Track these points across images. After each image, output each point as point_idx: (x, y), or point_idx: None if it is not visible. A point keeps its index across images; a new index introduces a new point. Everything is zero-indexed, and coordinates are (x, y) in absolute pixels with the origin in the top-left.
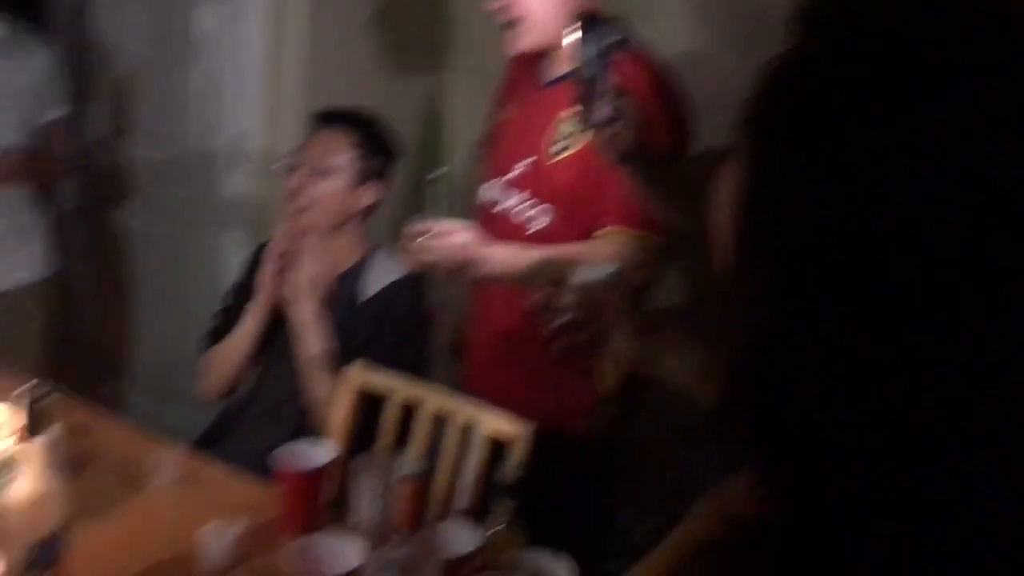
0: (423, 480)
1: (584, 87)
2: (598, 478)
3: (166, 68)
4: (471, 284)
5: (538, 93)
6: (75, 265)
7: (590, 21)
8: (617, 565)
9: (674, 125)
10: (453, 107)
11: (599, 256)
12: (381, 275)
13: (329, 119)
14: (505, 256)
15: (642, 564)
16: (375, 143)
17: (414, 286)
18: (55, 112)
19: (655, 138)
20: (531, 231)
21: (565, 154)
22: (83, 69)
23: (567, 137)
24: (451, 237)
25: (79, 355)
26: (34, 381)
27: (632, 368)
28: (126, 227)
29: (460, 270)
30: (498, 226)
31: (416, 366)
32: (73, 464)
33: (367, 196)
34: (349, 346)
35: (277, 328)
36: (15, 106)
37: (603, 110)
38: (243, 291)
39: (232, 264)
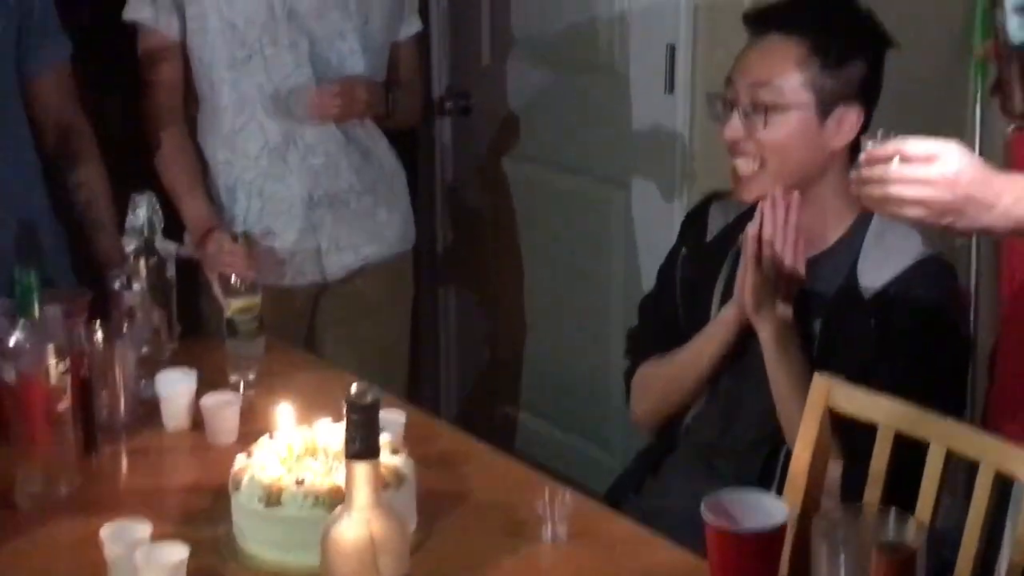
0: (908, 555)
1: None
2: None
3: None
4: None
5: None
6: (439, 237)
7: None
8: None
9: None
10: None
11: None
12: (887, 254)
13: (758, 21)
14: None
15: None
16: (838, 42)
17: (938, 275)
18: (409, 28)
19: None
20: None
21: None
22: None
23: None
24: (935, 164)
25: (454, 360)
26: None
27: None
28: (503, 183)
29: (952, 218)
30: None
31: (947, 395)
32: (437, 501)
33: (842, 130)
34: (840, 366)
35: (740, 345)
36: (360, 18)
37: None
38: (680, 286)
39: (657, 244)
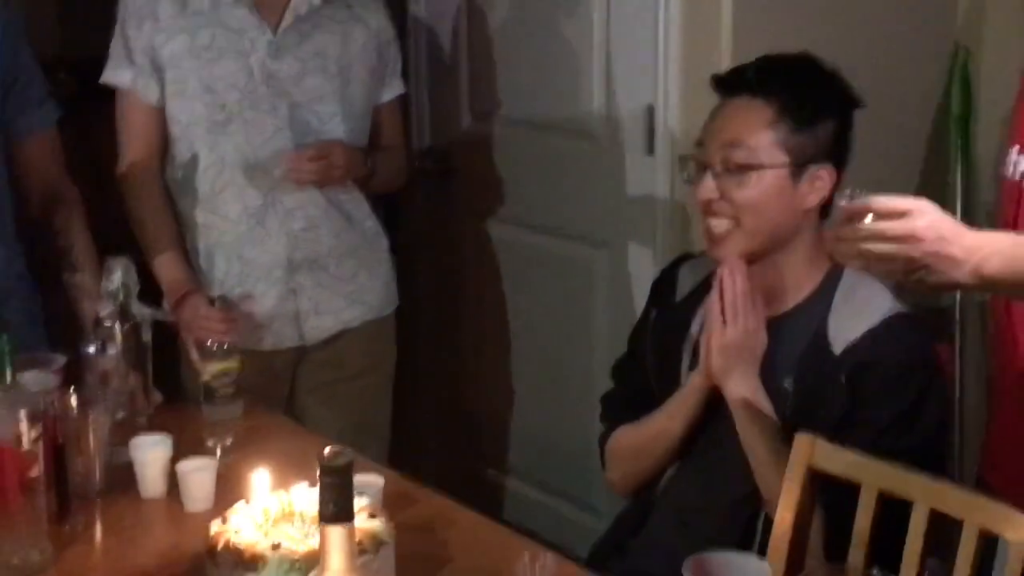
0: None
1: None
2: None
3: (533, 27)
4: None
5: None
6: (422, 299)
7: None
8: None
9: None
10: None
11: None
12: (857, 310)
13: (728, 83)
14: (1000, 247)
15: None
16: (807, 103)
17: (910, 330)
18: (391, 91)
19: None
20: None
21: None
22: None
23: None
24: (906, 219)
25: (435, 423)
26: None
27: None
28: (485, 245)
29: (922, 273)
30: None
31: (926, 457)
32: (418, 566)
33: (815, 189)
34: (815, 420)
35: (710, 411)
36: (342, 82)
37: None
38: (651, 348)
39: (640, 306)
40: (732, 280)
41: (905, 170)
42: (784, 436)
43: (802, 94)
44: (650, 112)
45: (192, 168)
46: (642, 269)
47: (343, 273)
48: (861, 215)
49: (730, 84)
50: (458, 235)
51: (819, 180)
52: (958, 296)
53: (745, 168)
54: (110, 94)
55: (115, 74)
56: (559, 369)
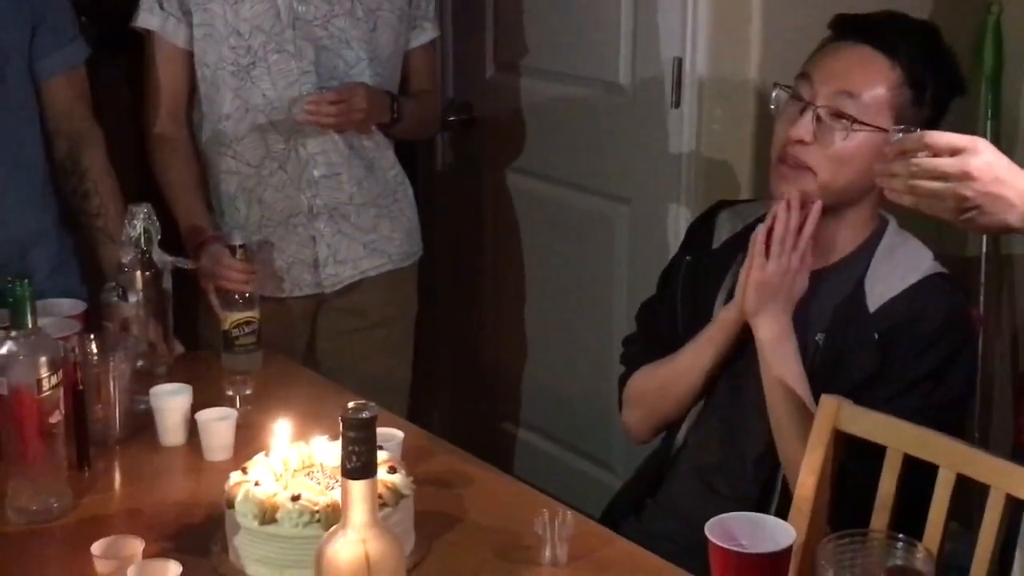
0: None
1: None
2: None
3: None
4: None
5: None
6: (441, 251)
7: None
8: None
9: None
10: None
11: None
12: (895, 270)
13: (854, 28)
14: None
15: None
16: (931, 83)
17: (947, 292)
18: (422, 36)
19: None
20: None
21: None
22: None
23: None
24: (962, 157)
25: (451, 376)
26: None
27: None
28: (506, 198)
29: (973, 213)
30: None
31: (949, 418)
32: (435, 521)
33: None
34: (840, 380)
35: (737, 350)
36: (369, 25)
37: None
38: (682, 292)
39: (660, 261)
40: (786, 215)
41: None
42: (804, 387)
43: (929, 68)
44: (678, 64)
45: (217, 112)
46: (665, 225)
47: (364, 222)
48: (915, 150)
49: (856, 31)
50: (479, 187)
51: None
52: (984, 248)
53: (852, 122)
54: (130, 41)
55: (145, 18)
56: (578, 324)
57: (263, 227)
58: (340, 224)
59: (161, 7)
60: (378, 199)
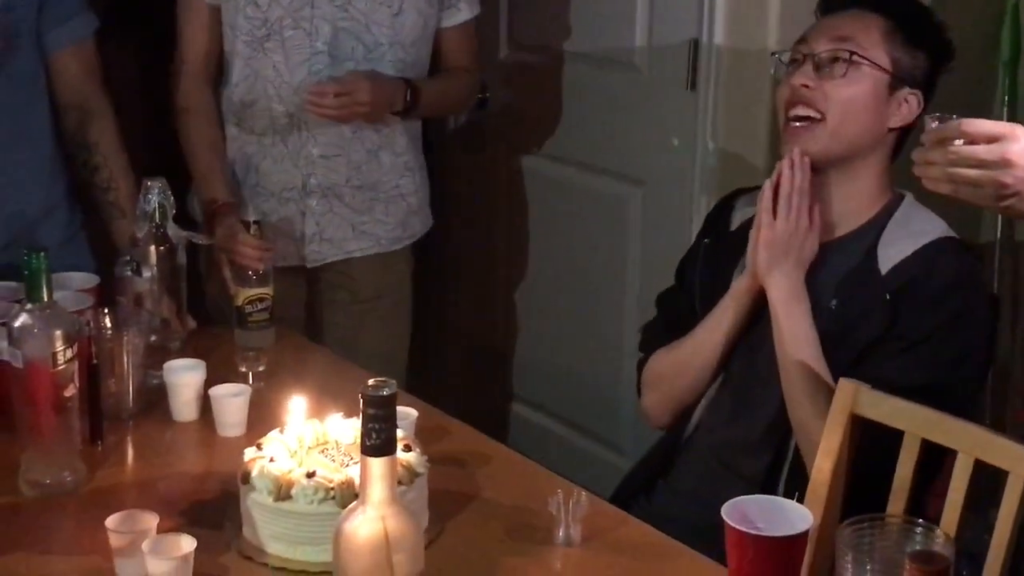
0: (944, 566)
1: None
2: None
3: None
4: None
5: None
6: (453, 231)
7: None
8: None
9: None
10: None
11: None
12: (908, 234)
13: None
14: None
15: None
16: (918, 32)
17: (959, 252)
18: (457, 15)
19: None
20: None
21: None
22: None
23: None
24: (999, 144)
25: (463, 357)
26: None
27: None
28: (518, 178)
29: (1012, 200)
30: None
31: (961, 376)
32: (448, 500)
33: (901, 111)
34: (852, 342)
35: (752, 320)
36: (393, 8)
37: None
38: (700, 274)
39: (673, 244)
40: (791, 173)
41: (950, 111)
42: (816, 350)
43: (917, 19)
44: (694, 46)
45: (227, 77)
46: (678, 207)
47: (357, 204)
48: (952, 138)
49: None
50: (491, 167)
51: (907, 104)
52: (998, 233)
53: (852, 60)
54: (140, 14)
55: None
56: (590, 305)
57: (255, 195)
58: (332, 203)
59: None
60: (377, 184)
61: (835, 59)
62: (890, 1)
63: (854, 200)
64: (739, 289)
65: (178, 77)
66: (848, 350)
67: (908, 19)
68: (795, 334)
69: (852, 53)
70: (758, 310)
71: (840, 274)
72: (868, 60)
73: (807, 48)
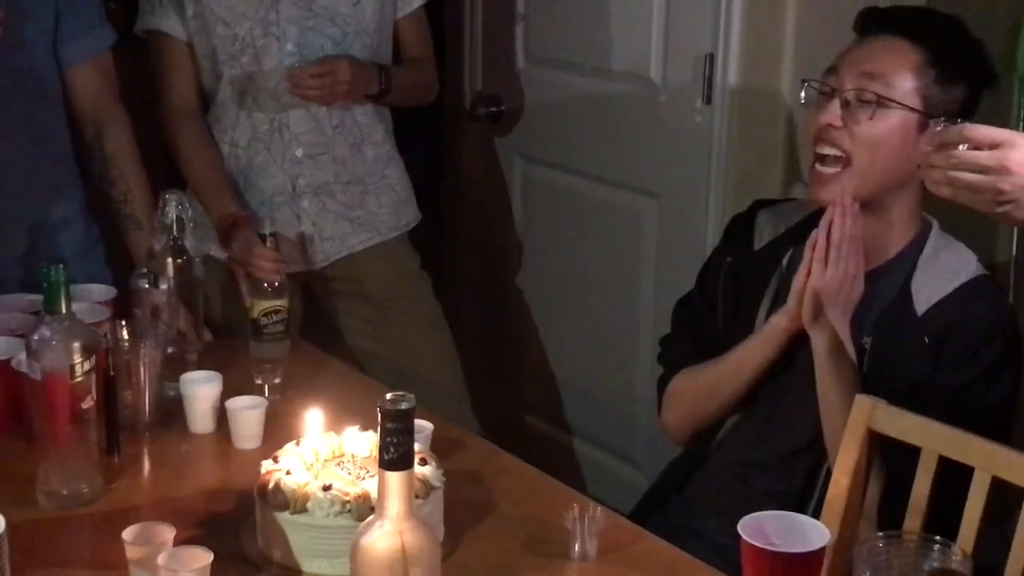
0: None
1: None
2: None
3: None
4: None
5: None
6: (468, 244)
7: None
8: None
9: None
10: None
11: None
12: (941, 272)
13: (878, 21)
14: None
15: None
16: (954, 65)
17: (994, 297)
18: (410, 3)
19: None
20: None
21: None
22: None
23: None
24: (1000, 151)
25: (477, 371)
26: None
27: None
28: (533, 191)
29: (1010, 207)
30: None
31: (1002, 420)
32: (464, 513)
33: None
34: (891, 384)
35: (785, 357)
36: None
37: None
38: (723, 293)
39: (687, 257)
40: (842, 221)
41: None
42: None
43: (953, 50)
44: (710, 60)
45: (212, 100)
46: (693, 221)
47: (349, 199)
48: (955, 143)
49: (877, 23)
50: (506, 180)
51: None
52: (1013, 251)
53: (879, 102)
54: None
55: (144, 21)
56: (604, 319)
57: (247, 204)
58: (325, 202)
59: (160, 4)
60: (364, 176)
61: (862, 99)
62: (926, 30)
63: (886, 233)
64: (775, 328)
65: (168, 121)
66: (885, 392)
67: (944, 51)
68: (840, 382)
69: (879, 97)
70: (792, 350)
71: (874, 311)
72: (895, 102)
73: (836, 82)
